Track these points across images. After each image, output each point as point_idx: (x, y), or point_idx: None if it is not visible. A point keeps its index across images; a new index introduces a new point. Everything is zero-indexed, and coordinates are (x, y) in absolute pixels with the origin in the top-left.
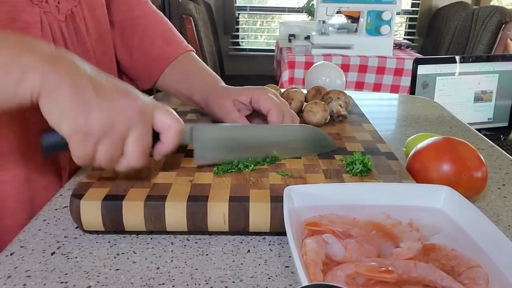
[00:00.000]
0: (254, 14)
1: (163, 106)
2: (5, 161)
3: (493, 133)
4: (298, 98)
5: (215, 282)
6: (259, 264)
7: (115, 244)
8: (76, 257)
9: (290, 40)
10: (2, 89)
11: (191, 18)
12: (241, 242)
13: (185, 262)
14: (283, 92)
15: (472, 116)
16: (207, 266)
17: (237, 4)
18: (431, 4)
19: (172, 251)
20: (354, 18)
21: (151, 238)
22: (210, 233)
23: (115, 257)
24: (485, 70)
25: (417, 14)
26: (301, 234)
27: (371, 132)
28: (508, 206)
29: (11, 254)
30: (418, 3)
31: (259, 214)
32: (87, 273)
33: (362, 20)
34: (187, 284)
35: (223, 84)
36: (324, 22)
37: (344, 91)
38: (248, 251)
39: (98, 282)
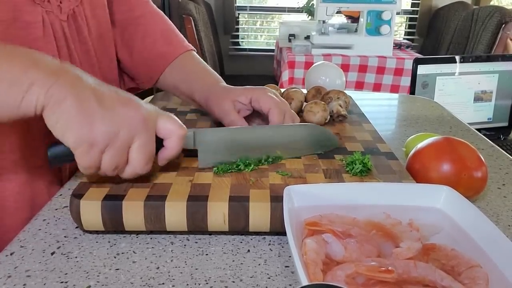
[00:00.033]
0: (254, 14)
1: (165, 113)
2: (6, 161)
3: (493, 133)
4: (298, 98)
5: (215, 282)
6: (259, 264)
7: (115, 244)
8: (76, 257)
9: (290, 40)
10: (7, 101)
11: (191, 18)
12: (241, 242)
13: (185, 262)
14: (283, 92)
15: (472, 116)
16: (207, 266)
17: (237, 4)
18: (431, 4)
19: (172, 251)
20: (354, 18)
21: (151, 238)
22: (210, 233)
23: (115, 257)
24: (485, 70)
25: (417, 14)
26: (301, 234)
27: (371, 132)
28: (508, 206)
29: (11, 254)
30: (418, 3)
31: (259, 214)
32: (87, 273)
33: (362, 20)
34: (187, 284)
35: (224, 83)
36: (324, 22)
37: (344, 91)
38: (248, 251)
39: (98, 282)
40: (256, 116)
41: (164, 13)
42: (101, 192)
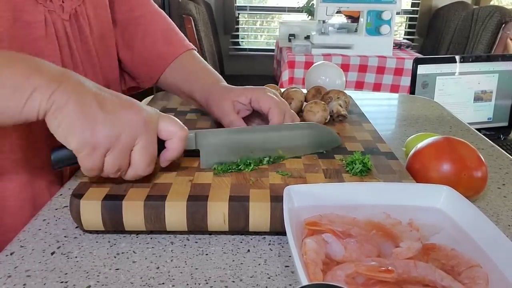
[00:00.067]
0: (254, 14)
1: (166, 115)
2: (7, 160)
3: (493, 133)
4: (298, 98)
5: (215, 281)
6: (259, 264)
7: (115, 244)
8: (76, 257)
9: (290, 40)
10: (9, 107)
11: (191, 18)
12: (241, 242)
13: (185, 261)
14: (283, 92)
15: (472, 116)
16: (207, 266)
17: (237, 4)
18: (431, 4)
19: (172, 250)
20: (354, 18)
21: (151, 238)
22: (210, 233)
23: (115, 257)
24: (485, 70)
25: (417, 14)
26: (301, 234)
27: (371, 132)
28: (508, 206)
29: (11, 254)
30: (418, 3)
31: (259, 214)
32: (87, 272)
33: (362, 20)
34: (187, 284)
35: (224, 83)
36: (324, 22)
37: (344, 91)
38: (248, 250)
39: (98, 281)
40: (256, 116)
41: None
42: (101, 192)
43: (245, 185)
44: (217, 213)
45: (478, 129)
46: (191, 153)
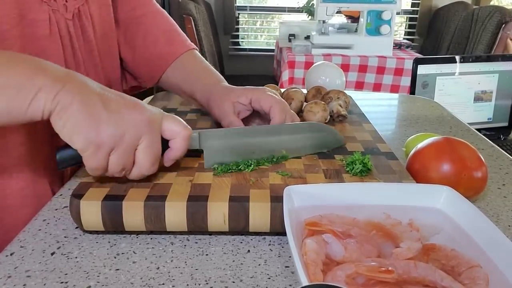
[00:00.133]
0: (254, 14)
1: (170, 115)
2: (10, 158)
3: (493, 133)
4: (298, 98)
5: (215, 282)
6: (259, 264)
7: (115, 244)
8: (76, 257)
9: (290, 40)
10: (14, 107)
11: (191, 18)
12: (241, 242)
13: (185, 262)
14: (283, 92)
15: (472, 116)
16: (207, 266)
17: (237, 4)
18: (431, 4)
19: (172, 251)
20: (354, 18)
21: (151, 238)
22: (210, 233)
23: (115, 257)
24: (485, 70)
25: (417, 14)
26: (301, 234)
27: (371, 132)
28: (508, 206)
29: (11, 254)
30: (418, 3)
31: (259, 214)
32: (87, 273)
33: (362, 20)
34: (187, 284)
35: (225, 83)
36: (324, 22)
37: (344, 91)
38: (248, 251)
39: (98, 282)
40: (256, 116)
41: None
42: (101, 192)
43: (245, 185)
44: (217, 213)
45: (478, 129)
46: (192, 153)
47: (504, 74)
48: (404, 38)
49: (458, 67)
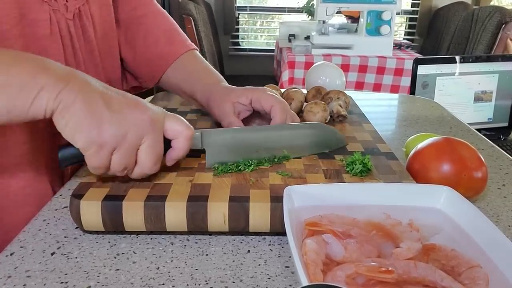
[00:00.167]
0: (254, 14)
1: (172, 114)
2: (11, 157)
3: (493, 133)
4: (298, 98)
5: (215, 282)
6: (259, 264)
7: (115, 244)
8: (76, 257)
9: (290, 40)
10: (16, 106)
11: (191, 18)
12: (241, 242)
13: (185, 262)
14: (283, 92)
15: (472, 116)
16: (207, 266)
17: (237, 4)
18: (431, 4)
19: (172, 251)
20: (354, 18)
21: (151, 238)
22: (210, 233)
23: (115, 257)
24: (485, 70)
25: (417, 14)
26: (301, 234)
27: (371, 132)
28: (508, 206)
29: (11, 254)
30: (418, 3)
31: (259, 214)
32: (87, 273)
33: (362, 20)
34: (187, 284)
35: (225, 83)
36: (324, 22)
37: (344, 91)
38: (248, 251)
39: (98, 282)
40: (256, 116)
41: None
42: (101, 193)
43: (245, 185)
44: (217, 213)
45: (478, 130)
46: (192, 153)
47: (504, 74)
48: (404, 38)
49: (458, 67)
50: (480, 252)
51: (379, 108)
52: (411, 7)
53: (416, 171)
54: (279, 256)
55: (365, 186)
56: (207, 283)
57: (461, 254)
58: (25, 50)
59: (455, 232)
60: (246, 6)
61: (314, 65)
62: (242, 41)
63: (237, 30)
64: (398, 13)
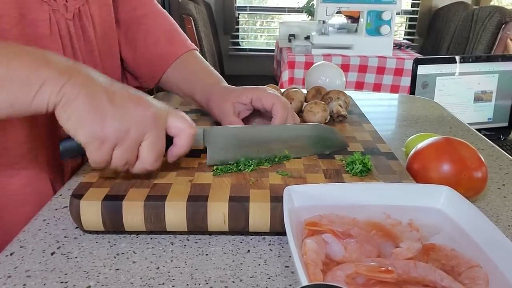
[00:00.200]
0: (254, 14)
1: (175, 111)
2: (12, 155)
3: (493, 133)
4: (298, 98)
5: (215, 282)
6: (259, 264)
7: (115, 244)
8: (76, 257)
9: (290, 40)
10: (19, 99)
11: (191, 18)
12: (241, 242)
13: (185, 262)
14: (283, 92)
15: (472, 116)
16: (207, 266)
17: (237, 4)
18: (431, 4)
19: (172, 251)
20: (354, 18)
21: (151, 238)
22: (210, 233)
23: (115, 257)
24: (485, 70)
25: (417, 14)
26: (301, 234)
27: (371, 132)
28: (508, 206)
29: (11, 254)
30: (418, 3)
31: (259, 214)
32: (87, 273)
33: (362, 20)
34: (187, 284)
35: (225, 83)
36: (324, 22)
37: (344, 91)
38: (248, 251)
39: (98, 282)
40: (256, 115)
41: None
42: (101, 192)
43: (245, 185)
44: (217, 213)
45: (478, 130)
46: (192, 153)
47: (504, 74)
48: (404, 38)
49: (458, 67)
50: (480, 252)
51: (379, 108)
52: (411, 7)
53: (416, 171)
54: (279, 256)
55: (365, 186)
56: (207, 283)
57: (461, 254)
58: None
59: (455, 232)
60: (246, 6)
61: (314, 65)
62: (242, 41)
63: (237, 30)
64: (398, 13)
